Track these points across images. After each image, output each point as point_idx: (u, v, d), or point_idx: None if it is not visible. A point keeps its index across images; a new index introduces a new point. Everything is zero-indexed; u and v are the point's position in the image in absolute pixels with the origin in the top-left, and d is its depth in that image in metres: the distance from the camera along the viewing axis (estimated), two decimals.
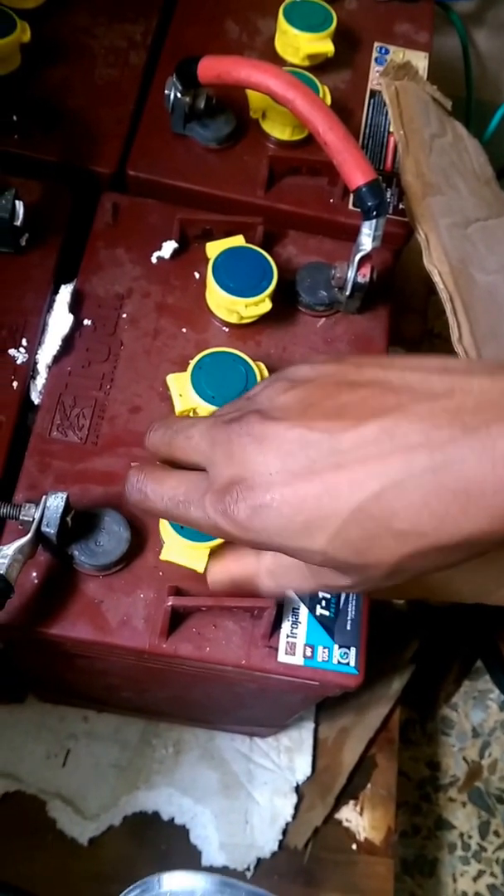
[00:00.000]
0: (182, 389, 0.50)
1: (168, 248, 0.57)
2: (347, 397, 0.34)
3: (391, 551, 0.33)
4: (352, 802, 0.83)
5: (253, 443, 0.35)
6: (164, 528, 0.47)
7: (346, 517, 0.33)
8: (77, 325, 0.54)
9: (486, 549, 0.33)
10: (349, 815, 0.83)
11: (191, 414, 0.51)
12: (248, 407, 0.37)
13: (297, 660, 0.47)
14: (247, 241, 0.56)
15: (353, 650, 0.47)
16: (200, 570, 0.46)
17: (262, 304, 0.53)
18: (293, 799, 0.81)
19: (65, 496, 0.44)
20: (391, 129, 0.65)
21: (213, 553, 0.45)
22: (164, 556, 0.47)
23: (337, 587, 0.38)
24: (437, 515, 0.32)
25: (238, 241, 0.56)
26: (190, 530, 0.45)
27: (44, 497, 0.44)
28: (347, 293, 0.55)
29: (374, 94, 0.68)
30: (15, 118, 0.61)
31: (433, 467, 0.31)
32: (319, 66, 0.68)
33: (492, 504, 0.31)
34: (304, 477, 0.33)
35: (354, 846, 0.81)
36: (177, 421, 0.41)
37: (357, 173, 0.51)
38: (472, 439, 0.31)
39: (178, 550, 0.47)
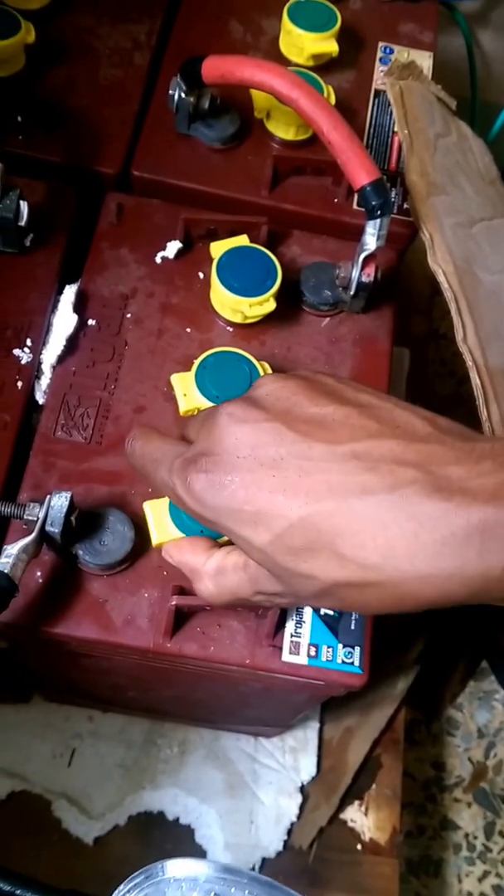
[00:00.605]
0: (186, 389, 0.50)
1: (172, 248, 0.57)
2: (333, 410, 0.35)
3: (327, 570, 0.33)
4: (357, 803, 0.83)
5: (232, 423, 0.36)
6: (160, 523, 0.47)
7: (294, 521, 0.33)
8: (81, 325, 0.54)
9: (432, 606, 0.33)
10: (354, 816, 0.82)
11: (195, 413, 0.51)
12: (248, 393, 0.38)
13: (302, 659, 0.47)
14: (251, 241, 0.56)
15: (357, 650, 0.47)
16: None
17: (266, 304, 0.53)
18: (298, 799, 0.81)
19: (69, 496, 0.44)
20: (395, 129, 0.65)
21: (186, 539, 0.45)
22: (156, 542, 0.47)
23: (269, 593, 0.38)
24: (381, 551, 0.31)
25: (242, 240, 0.56)
26: (185, 525, 0.46)
27: (48, 497, 0.44)
28: (352, 293, 0.55)
29: (378, 93, 0.68)
30: (19, 119, 0.61)
31: (390, 503, 0.31)
32: (324, 65, 0.68)
33: (441, 562, 0.31)
34: (268, 470, 0.34)
35: (359, 846, 0.81)
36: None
37: (361, 172, 0.51)
38: (436, 494, 0.31)
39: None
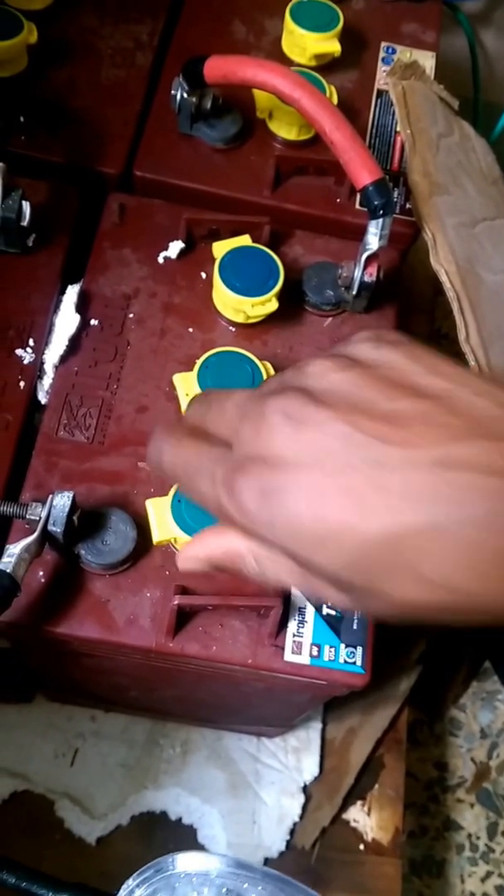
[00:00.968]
0: (188, 389, 0.50)
1: (175, 248, 0.57)
2: (408, 405, 0.30)
3: (407, 593, 0.29)
4: (359, 803, 0.83)
5: (287, 424, 0.30)
6: (162, 521, 0.47)
7: (371, 542, 0.28)
8: (84, 325, 0.54)
9: None
10: (357, 816, 0.82)
11: (205, 394, 0.51)
12: (294, 381, 0.33)
13: (304, 659, 0.47)
14: (253, 241, 0.56)
15: (359, 649, 0.47)
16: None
17: (268, 304, 0.53)
18: (301, 799, 0.81)
19: (71, 495, 0.44)
20: (398, 129, 0.65)
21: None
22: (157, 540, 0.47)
23: (329, 600, 0.34)
24: (477, 576, 0.27)
25: (245, 240, 0.56)
26: (186, 523, 0.46)
27: (50, 496, 0.44)
28: (354, 292, 0.55)
29: (380, 93, 0.68)
30: (22, 119, 0.61)
31: (487, 521, 0.27)
32: (326, 65, 0.68)
33: None
34: (337, 481, 0.29)
35: (362, 846, 0.81)
36: (214, 392, 0.38)
37: (363, 172, 0.51)
38: None
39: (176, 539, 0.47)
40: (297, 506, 0.30)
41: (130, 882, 0.37)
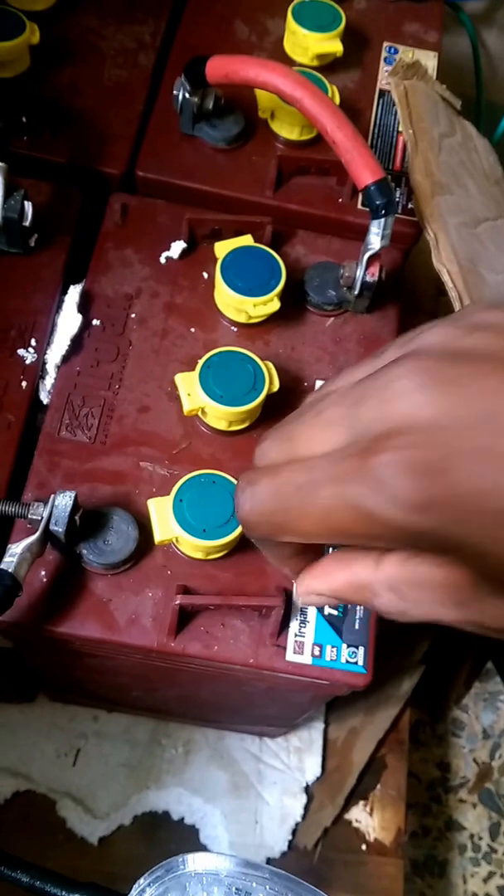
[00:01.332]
0: (190, 389, 0.50)
1: (177, 248, 0.57)
2: None
3: None
4: (361, 803, 0.83)
5: (430, 385, 0.24)
6: (164, 520, 0.47)
7: None
8: (86, 325, 0.54)
9: None
10: (359, 816, 0.82)
11: (199, 413, 0.51)
12: (413, 348, 0.26)
13: (306, 659, 0.47)
14: (255, 241, 0.56)
15: (361, 649, 0.47)
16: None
17: (270, 304, 0.53)
18: (303, 799, 0.81)
19: (73, 495, 0.44)
20: (400, 129, 0.65)
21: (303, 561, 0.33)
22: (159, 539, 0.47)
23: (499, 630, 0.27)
24: None
25: (247, 240, 0.56)
26: (187, 523, 0.45)
27: (52, 496, 0.44)
28: (356, 292, 0.55)
29: (383, 93, 0.68)
30: (24, 119, 0.61)
31: None
32: (328, 66, 0.68)
33: None
34: None
35: (364, 847, 0.81)
36: (298, 411, 0.30)
37: (365, 172, 0.51)
38: None
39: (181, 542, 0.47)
40: (473, 477, 0.23)
41: (142, 881, 0.37)
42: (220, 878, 0.37)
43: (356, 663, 0.47)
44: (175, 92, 0.60)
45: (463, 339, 0.25)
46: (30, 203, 0.53)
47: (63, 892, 0.41)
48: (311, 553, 0.32)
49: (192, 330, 0.55)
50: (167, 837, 0.79)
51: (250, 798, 0.81)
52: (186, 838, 0.79)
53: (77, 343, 0.54)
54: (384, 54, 0.71)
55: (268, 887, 0.37)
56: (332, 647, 0.47)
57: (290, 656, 0.47)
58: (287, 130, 0.63)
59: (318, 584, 0.31)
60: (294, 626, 0.47)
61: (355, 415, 0.26)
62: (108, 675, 0.60)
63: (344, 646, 0.47)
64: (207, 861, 0.38)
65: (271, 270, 0.54)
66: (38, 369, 0.53)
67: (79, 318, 0.54)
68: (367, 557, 0.29)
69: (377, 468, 0.24)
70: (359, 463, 0.25)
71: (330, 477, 0.26)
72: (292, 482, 0.27)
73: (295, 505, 0.27)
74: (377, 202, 0.51)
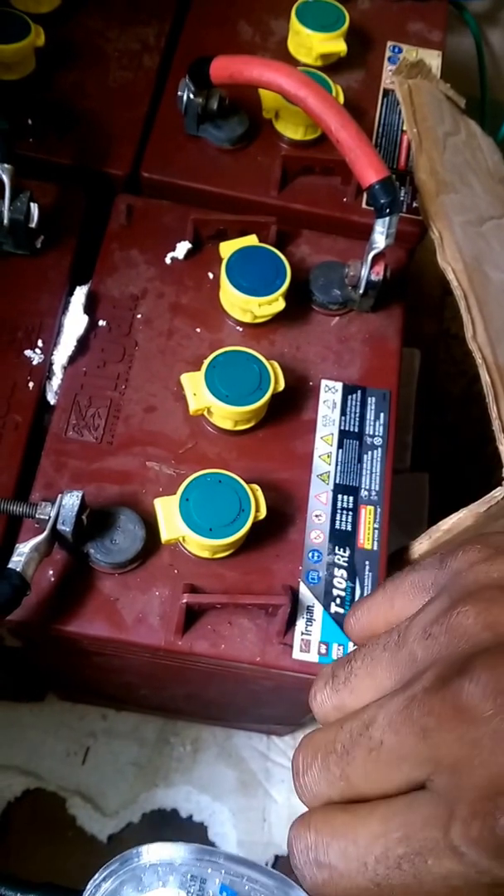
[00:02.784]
0: (196, 388, 0.50)
1: (182, 248, 0.58)
2: None
3: None
4: None
5: None
6: (170, 520, 0.47)
7: None
8: (92, 326, 0.55)
9: None
10: None
11: (204, 413, 0.51)
12: (456, 585, 0.25)
13: (312, 657, 0.47)
14: (260, 241, 0.56)
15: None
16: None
17: (275, 303, 0.53)
18: None
19: (80, 495, 0.44)
20: (404, 128, 0.65)
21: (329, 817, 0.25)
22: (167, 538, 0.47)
23: None
24: None
25: (251, 240, 0.56)
26: (194, 522, 0.46)
27: (60, 496, 0.45)
28: (361, 291, 0.55)
29: (387, 92, 0.68)
30: (30, 121, 0.61)
31: None
32: (332, 65, 0.68)
33: None
34: None
35: None
36: (339, 729, 0.25)
37: (370, 171, 0.51)
38: None
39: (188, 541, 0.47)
40: None
41: (97, 876, 0.38)
42: (175, 866, 0.37)
43: None
44: (179, 93, 0.60)
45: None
46: (36, 205, 0.53)
47: (18, 894, 0.41)
48: None
49: (198, 330, 0.56)
50: (176, 835, 0.79)
51: (258, 796, 0.81)
52: (195, 836, 0.79)
53: (83, 344, 0.54)
54: (388, 54, 0.71)
55: (223, 872, 0.38)
56: (339, 645, 0.47)
57: (297, 654, 0.47)
58: (291, 130, 0.63)
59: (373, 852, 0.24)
60: (301, 624, 0.48)
61: (431, 753, 0.22)
62: (116, 673, 0.60)
63: (350, 644, 0.47)
64: (162, 851, 0.38)
65: (276, 270, 0.54)
66: (45, 370, 0.53)
67: (85, 318, 0.54)
68: (433, 829, 0.23)
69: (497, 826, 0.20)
70: (483, 821, 0.21)
71: (437, 846, 0.21)
72: (386, 853, 0.22)
73: (396, 884, 0.22)
74: (382, 201, 0.51)
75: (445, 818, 0.21)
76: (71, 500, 0.44)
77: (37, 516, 0.45)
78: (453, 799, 0.21)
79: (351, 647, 0.47)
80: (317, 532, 0.50)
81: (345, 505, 0.51)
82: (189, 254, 0.58)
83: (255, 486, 0.47)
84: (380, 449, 0.53)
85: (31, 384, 0.52)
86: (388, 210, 0.51)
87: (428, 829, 0.22)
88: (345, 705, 0.26)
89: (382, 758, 0.23)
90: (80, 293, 0.55)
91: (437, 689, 0.22)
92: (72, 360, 0.54)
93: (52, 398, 0.53)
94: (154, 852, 0.37)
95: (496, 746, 0.21)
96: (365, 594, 0.49)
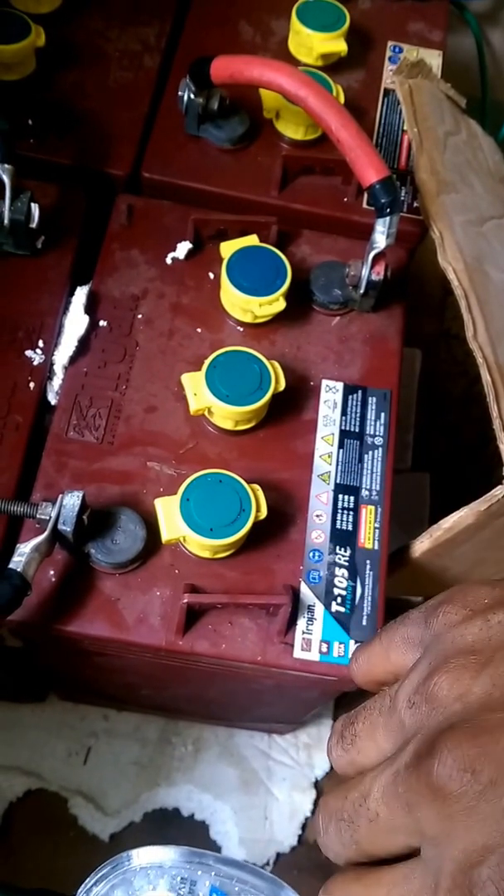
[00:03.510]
0: (196, 389, 0.50)
1: (182, 248, 0.58)
2: None
3: None
4: None
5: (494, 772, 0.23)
6: (171, 520, 0.47)
7: None
8: (93, 326, 0.55)
9: None
10: None
11: (205, 413, 0.51)
12: (435, 712, 0.26)
13: (313, 656, 0.47)
14: (261, 241, 0.56)
15: None
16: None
17: (276, 303, 0.53)
18: (312, 794, 0.81)
19: (81, 495, 0.45)
20: (405, 127, 0.65)
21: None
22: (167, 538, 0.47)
23: None
24: None
25: (252, 240, 0.56)
26: (195, 522, 0.46)
27: (60, 496, 0.45)
28: (362, 291, 0.55)
29: (387, 92, 0.68)
30: (30, 122, 0.61)
31: None
32: (333, 65, 0.68)
33: None
34: None
35: None
36: (344, 799, 0.28)
37: (370, 170, 0.51)
38: None
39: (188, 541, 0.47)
40: None
41: (88, 881, 0.38)
42: (165, 868, 0.38)
43: None
44: (180, 93, 0.60)
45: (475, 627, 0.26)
46: (36, 205, 0.53)
47: None
48: None
49: (199, 330, 0.56)
50: (177, 834, 0.79)
51: (260, 794, 0.81)
52: (196, 834, 0.79)
53: (84, 344, 0.54)
54: (389, 53, 0.71)
55: (213, 874, 0.38)
56: (340, 643, 0.47)
57: (298, 653, 0.47)
58: (292, 130, 0.63)
59: None
60: (301, 623, 0.48)
61: (419, 825, 0.24)
62: (117, 673, 0.60)
63: (352, 642, 0.47)
64: (152, 854, 0.38)
65: (277, 270, 0.54)
66: (46, 370, 0.53)
67: (86, 319, 0.54)
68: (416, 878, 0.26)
69: (440, 753, 0.24)
70: (461, 885, 0.23)
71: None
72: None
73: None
74: (382, 201, 0.51)
75: (433, 889, 0.24)
76: (72, 501, 0.44)
77: (38, 516, 0.45)
78: (437, 870, 0.24)
79: (353, 647, 0.47)
80: (317, 532, 0.50)
81: (345, 505, 0.51)
82: (190, 254, 0.58)
83: (256, 486, 0.47)
84: (380, 449, 0.53)
85: (31, 384, 0.53)
86: (388, 210, 0.51)
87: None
88: (355, 762, 0.29)
89: (380, 828, 0.26)
90: (81, 293, 0.56)
91: (414, 767, 0.24)
92: (73, 360, 0.54)
93: (52, 398, 0.53)
94: (144, 855, 0.38)
95: (468, 821, 0.23)
96: (365, 593, 0.49)
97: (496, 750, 0.23)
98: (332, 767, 0.82)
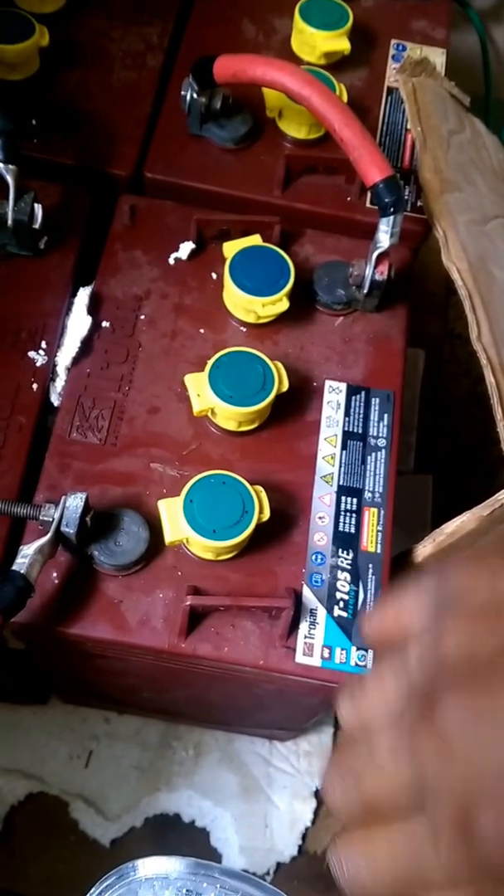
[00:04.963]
0: (200, 389, 0.50)
1: (185, 248, 0.57)
2: None
3: None
4: None
5: (477, 718, 0.25)
6: (174, 521, 0.46)
7: None
8: (95, 327, 0.54)
9: None
10: None
11: (208, 414, 0.51)
12: (429, 682, 0.27)
13: (315, 661, 0.47)
14: (264, 241, 0.56)
15: (371, 652, 0.47)
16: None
17: (279, 303, 0.53)
18: (312, 804, 0.81)
19: (84, 496, 0.44)
20: (408, 126, 0.65)
21: (353, 830, 0.29)
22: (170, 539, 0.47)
23: None
24: None
25: (255, 240, 0.56)
26: (198, 523, 0.45)
27: (63, 497, 0.44)
28: (365, 291, 0.55)
29: (391, 91, 0.68)
30: (34, 122, 0.61)
31: None
32: (336, 64, 0.68)
33: None
34: None
35: None
36: (348, 753, 0.29)
37: (374, 169, 0.51)
38: None
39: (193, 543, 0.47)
40: None
41: (94, 890, 0.37)
42: (170, 880, 0.37)
43: (366, 666, 0.47)
44: (183, 92, 0.60)
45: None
46: (40, 205, 0.53)
47: None
48: None
49: (202, 330, 0.55)
50: (178, 840, 0.78)
51: (260, 802, 0.80)
52: (197, 841, 0.79)
53: (87, 345, 0.54)
54: (392, 52, 0.71)
55: (218, 886, 0.37)
56: (342, 649, 0.47)
57: (300, 658, 0.47)
58: (295, 129, 0.63)
59: (378, 864, 0.28)
60: (304, 627, 0.47)
61: (420, 773, 0.25)
62: (119, 676, 0.60)
63: (353, 648, 0.47)
64: (157, 865, 0.38)
65: (280, 270, 0.53)
66: (49, 371, 0.53)
67: (88, 319, 0.54)
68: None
69: (487, 838, 0.24)
70: (458, 836, 0.24)
71: (435, 864, 0.25)
72: (396, 874, 0.27)
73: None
74: (386, 199, 0.51)
75: (434, 835, 0.25)
76: (75, 502, 0.44)
77: (41, 518, 0.45)
78: (439, 817, 0.25)
79: (353, 650, 0.47)
80: (320, 534, 0.50)
81: (348, 507, 0.51)
82: (192, 254, 0.58)
83: (259, 488, 0.47)
84: (383, 450, 0.53)
85: (34, 385, 0.52)
86: (392, 209, 0.51)
87: (424, 847, 0.25)
88: (362, 715, 0.30)
89: (385, 780, 0.27)
90: (84, 294, 0.55)
91: (420, 717, 0.26)
92: (75, 361, 0.53)
93: (55, 399, 0.53)
94: (150, 866, 0.37)
95: (468, 768, 0.24)
96: (368, 598, 0.48)
97: (500, 700, 0.24)
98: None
